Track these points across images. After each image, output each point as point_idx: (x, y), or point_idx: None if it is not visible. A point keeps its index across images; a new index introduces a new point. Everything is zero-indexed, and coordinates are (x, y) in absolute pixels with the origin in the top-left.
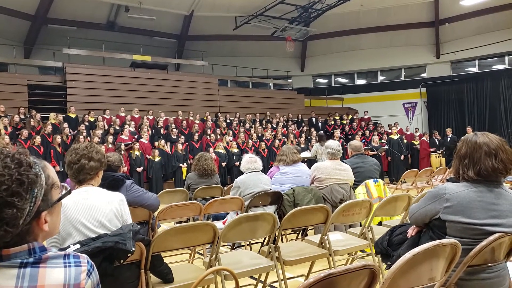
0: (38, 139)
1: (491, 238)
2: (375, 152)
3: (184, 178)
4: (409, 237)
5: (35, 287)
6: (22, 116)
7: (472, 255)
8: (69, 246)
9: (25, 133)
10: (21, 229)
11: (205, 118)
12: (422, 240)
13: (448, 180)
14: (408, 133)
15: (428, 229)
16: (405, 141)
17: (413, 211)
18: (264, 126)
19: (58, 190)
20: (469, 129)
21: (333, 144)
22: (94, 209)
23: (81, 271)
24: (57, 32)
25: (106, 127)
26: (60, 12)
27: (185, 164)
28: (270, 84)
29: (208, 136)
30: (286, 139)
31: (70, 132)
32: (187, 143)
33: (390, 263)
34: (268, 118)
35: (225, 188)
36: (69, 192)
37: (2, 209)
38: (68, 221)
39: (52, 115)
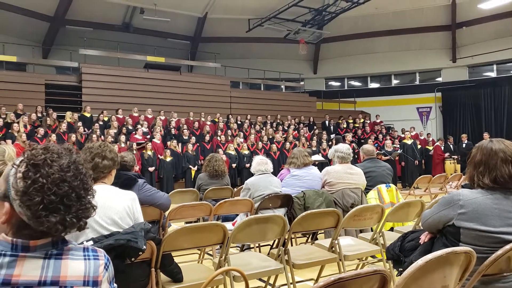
0: (53, 137)
1: (507, 247)
2: (388, 157)
3: (192, 178)
4: (421, 243)
5: (58, 277)
6: (39, 115)
7: (487, 264)
8: (82, 243)
9: (41, 131)
10: None
11: (216, 120)
12: (435, 247)
13: (463, 187)
14: (422, 138)
15: (442, 236)
16: (419, 146)
17: (426, 216)
18: (275, 129)
19: None
20: (486, 135)
21: (343, 147)
22: (106, 207)
23: (99, 264)
24: (74, 33)
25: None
26: (77, 14)
27: (196, 167)
28: (282, 86)
29: (218, 138)
30: (297, 142)
31: (84, 131)
32: (198, 144)
33: (401, 269)
34: (279, 121)
35: (235, 189)
36: None
37: (90, 189)
38: None
39: (68, 114)
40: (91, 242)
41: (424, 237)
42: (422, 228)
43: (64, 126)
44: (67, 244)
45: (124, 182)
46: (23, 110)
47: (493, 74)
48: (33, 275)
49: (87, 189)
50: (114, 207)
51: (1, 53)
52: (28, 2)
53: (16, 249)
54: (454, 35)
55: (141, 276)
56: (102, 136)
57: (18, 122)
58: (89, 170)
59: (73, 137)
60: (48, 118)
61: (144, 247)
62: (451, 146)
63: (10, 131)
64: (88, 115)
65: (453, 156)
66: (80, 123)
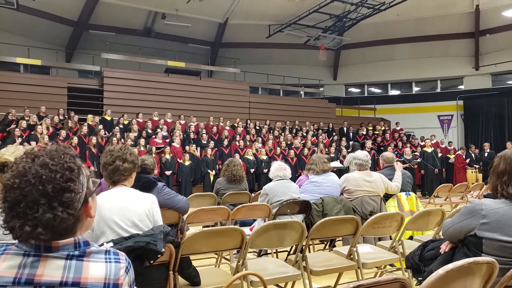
0: (75, 140)
1: None
2: (407, 165)
3: (211, 183)
4: (442, 253)
5: (79, 279)
6: (61, 117)
7: (510, 275)
8: (102, 244)
9: (63, 133)
10: (77, 213)
11: (235, 125)
12: (456, 257)
13: (485, 196)
14: (443, 146)
15: (463, 246)
16: (440, 154)
17: (447, 226)
18: (293, 134)
19: (91, 182)
20: (509, 144)
21: (361, 154)
22: (127, 209)
23: (120, 267)
24: (97, 38)
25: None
26: (100, 19)
27: (213, 171)
28: (301, 92)
29: (237, 142)
30: (315, 148)
31: (105, 134)
32: (216, 149)
33: (421, 278)
34: (297, 127)
35: (253, 194)
36: (99, 184)
37: (61, 194)
38: (102, 220)
39: (90, 116)
40: (111, 244)
41: (444, 247)
42: (442, 237)
43: (85, 129)
44: (89, 246)
45: (144, 185)
46: (46, 112)
47: None
48: (55, 275)
49: (53, 196)
50: (134, 209)
51: (26, 56)
52: (53, 7)
53: (39, 249)
54: (477, 42)
55: (159, 279)
56: (122, 140)
57: (41, 124)
58: (63, 175)
59: (94, 139)
60: (69, 121)
61: (163, 249)
62: (473, 155)
63: (33, 133)
64: (108, 118)
65: (475, 165)
66: (101, 126)
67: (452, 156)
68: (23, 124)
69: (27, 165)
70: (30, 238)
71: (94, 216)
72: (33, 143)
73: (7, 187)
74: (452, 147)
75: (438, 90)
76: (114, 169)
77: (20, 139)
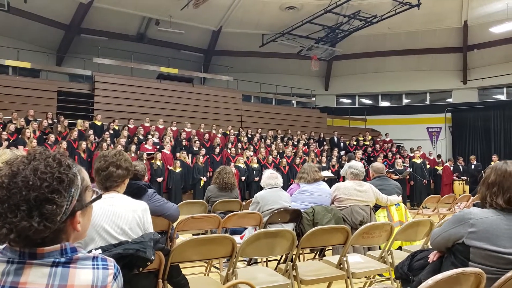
0: (64, 144)
1: None
2: (398, 176)
3: (201, 187)
4: (430, 262)
5: (65, 286)
6: (50, 121)
7: (497, 286)
8: (91, 251)
9: (51, 138)
10: (57, 226)
11: (227, 132)
12: (444, 266)
13: (474, 205)
14: (432, 158)
15: (450, 254)
16: (428, 166)
17: (436, 234)
18: (285, 143)
19: (90, 193)
20: (495, 157)
21: (357, 165)
22: (117, 216)
23: (108, 274)
24: (88, 42)
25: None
26: (93, 23)
27: (205, 178)
28: (293, 101)
29: (229, 150)
30: (306, 157)
31: (95, 139)
32: (207, 156)
33: None
34: (289, 136)
35: (244, 202)
36: (100, 197)
37: (43, 204)
38: (92, 226)
39: (80, 121)
40: (99, 251)
41: (432, 256)
42: (431, 247)
43: (75, 134)
44: (77, 252)
45: (134, 191)
46: (34, 116)
47: (503, 97)
48: (39, 283)
49: (35, 205)
50: (125, 216)
51: (15, 59)
52: (44, 10)
53: (24, 256)
54: (465, 57)
55: (148, 286)
56: (112, 145)
57: (28, 128)
58: (49, 185)
59: (83, 144)
60: (59, 125)
61: (153, 257)
62: (461, 167)
63: (21, 136)
64: (99, 123)
65: (462, 177)
66: (91, 131)
67: (440, 168)
68: (11, 127)
69: (21, 166)
70: (5, 241)
71: (83, 231)
72: (21, 147)
73: None
74: (440, 159)
75: (427, 102)
76: (107, 175)
77: (7, 143)
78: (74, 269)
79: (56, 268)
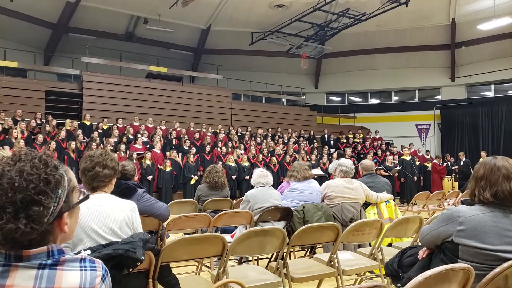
0: (53, 145)
1: (505, 265)
2: (387, 173)
3: (191, 184)
4: (419, 259)
5: None
6: (38, 121)
7: (485, 282)
8: (79, 252)
9: (40, 138)
10: (45, 228)
11: (217, 131)
12: (433, 263)
13: (462, 202)
14: (421, 154)
15: (440, 252)
16: (418, 162)
17: (424, 232)
18: (275, 141)
19: (77, 194)
20: (483, 153)
21: (347, 162)
22: (106, 216)
23: (96, 276)
24: (76, 41)
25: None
26: (80, 22)
27: (196, 176)
28: (283, 100)
29: (219, 149)
30: (297, 155)
31: (84, 139)
32: (198, 155)
33: (400, 285)
34: (279, 134)
35: (235, 201)
36: (87, 197)
37: (29, 206)
38: (80, 227)
39: (68, 121)
40: (88, 251)
41: (422, 253)
42: (420, 244)
43: (63, 134)
44: (64, 254)
45: (124, 191)
46: (22, 116)
47: (490, 94)
48: (26, 285)
49: (21, 207)
50: (113, 216)
51: (2, 58)
52: (31, 8)
53: (9, 258)
54: (453, 54)
55: (138, 287)
56: (102, 145)
57: (16, 128)
58: (36, 187)
59: (73, 144)
60: (47, 125)
61: (143, 257)
62: (449, 163)
63: (8, 137)
64: (88, 123)
65: (451, 174)
66: (80, 131)
67: (429, 165)
68: None
69: (6, 168)
70: None
71: (70, 232)
72: (7, 148)
73: None
74: (429, 156)
75: (416, 99)
76: (93, 176)
77: None
78: (61, 271)
79: (43, 270)
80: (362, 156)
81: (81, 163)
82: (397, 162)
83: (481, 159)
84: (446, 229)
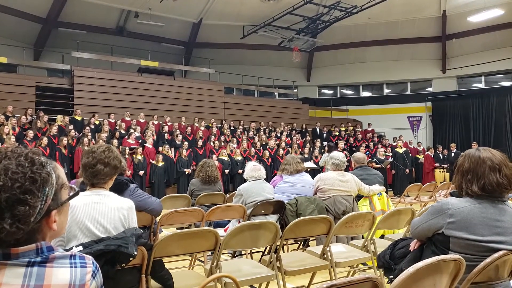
0: (44, 140)
1: (496, 255)
2: (379, 166)
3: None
4: (411, 250)
5: (41, 286)
6: (29, 117)
7: (476, 272)
8: (72, 248)
9: (31, 134)
10: (31, 227)
11: (210, 125)
12: (425, 255)
13: (451, 194)
14: (412, 146)
15: (431, 244)
16: (410, 154)
17: (415, 225)
18: (268, 135)
19: (67, 191)
20: (474, 144)
21: (339, 155)
22: (101, 214)
23: (86, 272)
24: (67, 36)
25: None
26: (70, 16)
27: (189, 169)
28: (276, 93)
29: (212, 143)
30: (289, 149)
31: (75, 134)
32: (190, 149)
33: (392, 276)
34: (272, 128)
35: (228, 195)
36: (77, 193)
37: (15, 206)
38: (74, 223)
39: (59, 117)
40: (80, 248)
41: (413, 245)
42: (411, 235)
43: (54, 129)
44: (53, 251)
45: (116, 186)
46: (13, 112)
47: (481, 85)
48: (14, 283)
49: (6, 207)
50: (109, 216)
51: None
52: (20, 3)
53: None
54: (444, 46)
55: (131, 282)
56: (93, 140)
57: (6, 124)
58: (21, 186)
59: (64, 140)
60: (38, 121)
61: (135, 252)
62: (441, 155)
63: None
64: (79, 118)
65: (442, 165)
66: (71, 127)
67: (421, 157)
68: None
69: None
70: None
71: (60, 229)
72: None
73: None
74: (422, 148)
75: (408, 92)
76: (94, 172)
77: None
78: (50, 269)
79: (32, 268)
80: (354, 149)
81: (82, 157)
82: (390, 154)
83: (463, 152)
84: (436, 221)
